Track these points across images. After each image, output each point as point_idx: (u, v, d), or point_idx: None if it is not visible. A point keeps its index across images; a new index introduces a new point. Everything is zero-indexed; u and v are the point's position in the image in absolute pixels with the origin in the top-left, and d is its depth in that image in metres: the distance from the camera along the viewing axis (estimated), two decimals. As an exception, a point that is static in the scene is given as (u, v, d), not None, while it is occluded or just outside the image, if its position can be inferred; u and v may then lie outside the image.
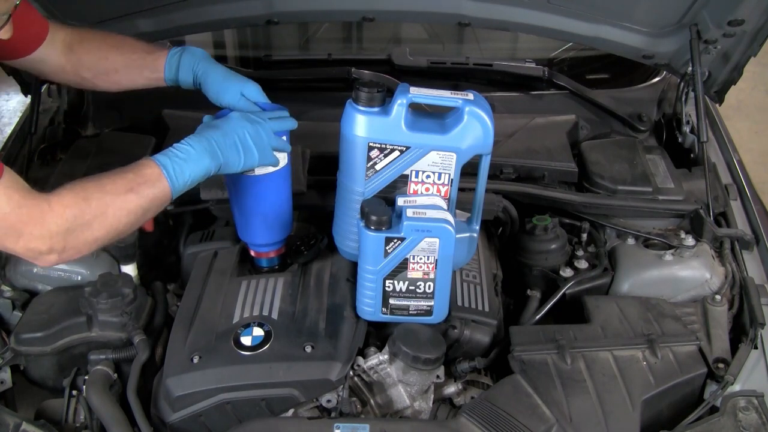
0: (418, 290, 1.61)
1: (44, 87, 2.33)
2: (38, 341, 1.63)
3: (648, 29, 2.17)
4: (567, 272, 1.91)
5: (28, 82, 2.23)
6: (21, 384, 1.68)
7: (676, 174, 2.13)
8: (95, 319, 1.63)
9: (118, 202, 1.41)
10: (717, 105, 2.39)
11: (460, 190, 1.64)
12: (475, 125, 1.55)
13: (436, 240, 1.54)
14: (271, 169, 1.64)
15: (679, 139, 2.31)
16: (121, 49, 1.76)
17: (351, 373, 1.55)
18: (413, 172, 1.60)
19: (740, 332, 1.71)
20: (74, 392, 1.60)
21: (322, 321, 1.62)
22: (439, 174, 1.60)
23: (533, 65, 2.48)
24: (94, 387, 1.54)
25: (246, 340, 1.57)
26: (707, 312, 1.72)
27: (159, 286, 1.82)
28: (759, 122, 4.90)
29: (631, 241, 1.97)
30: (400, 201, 1.59)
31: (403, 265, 1.57)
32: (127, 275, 1.76)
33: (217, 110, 1.70)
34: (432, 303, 1.63)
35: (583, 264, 1.92)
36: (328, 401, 1.54)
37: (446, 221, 1.54)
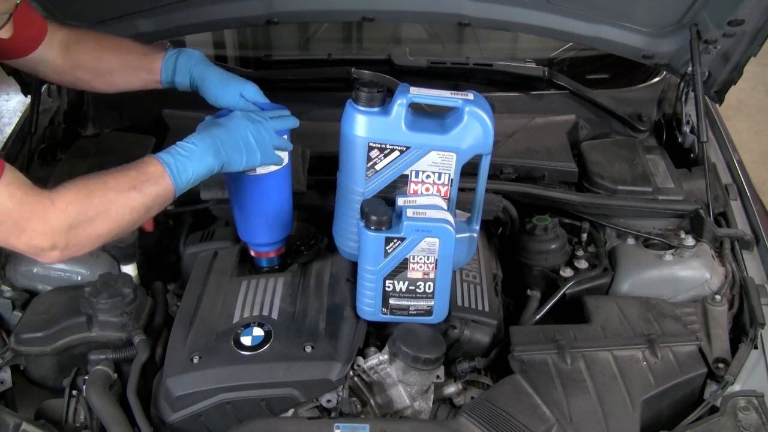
0: (418, 290, 1.61)
1: (44, 87, 2.33)
2: (38, 341, 1.63)
3: (648, 29, 2.17)
4: (567, 272, 1.91)
5: (28, 82, 2.23)
6: (21, 384, 1.68)
7: (676, 174, 2.13)
8: (95, 319, 1.63)
9: (121, 199, 1.41)
10: (717, 105, 2.39)
11: (460, 190, 1.64)
12: (475, 125, 1.55)
13: (436, 240, 1.54)
14: (271, 168, 1.64)
15: (679, 139, 2.31)
16: (117, 50, 1.77)
17: (351, 373, 1.55)
18: (413, 172, 1.60)
19: (740, 332, 1.71)
20: (74, 392, 1.60)
21: (322, 321, 1.62)
22: (439, 174, 1.60)
23: (533, 65, 2.48)
24: (94, 387, 1.54)
25: (246, 340, 1.57)
26: (707, 312, 1.73)
27: (159, 286, 1.82)
28: (759, 122, 4.90)
29: (631, 241, 1.97)
30: (400, 201, 1.59)
31: (403, 265, 1.57)
32: (127, 275, 1.76)
33: (216, 111, 1.70)
34: (432, 303, 1.63)
35: (583, 264, 1.92)
36: (328, 401, 1.54)
37: (446, 221, 1.54)
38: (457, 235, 1.57)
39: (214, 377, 1.52)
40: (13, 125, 2.41)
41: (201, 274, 1.79)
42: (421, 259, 1.56)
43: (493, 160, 1.63)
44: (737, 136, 2.56)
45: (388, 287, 1.60)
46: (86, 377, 1.58)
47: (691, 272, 1.83)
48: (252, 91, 1.68)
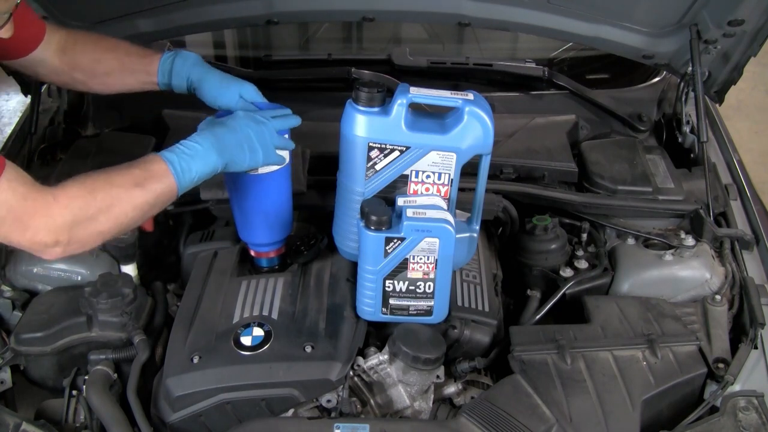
0: (418, 290, 1.61)
1: (44, 87, 2.33)
2: (38, 341, 1.63)
3: (648, 29, 2.17)
4: (567, 272, 1.91)
5: (28, 82, 2.23)
6: (21, 384, 1.68)
7: (676, 174, 2.13)
8: (95, 319, 1.63)
9: (125, 196, 1.41)
10: (717, 105, 2.39)
11: (460, 190, 1.64)
12: (475, 125, 1.55)
13: (436, 240, 1.54)
14: (271, 167, 1.64)
15: (679, 139, 2.31)
16: (114, 52, 1.77)
17: (351, 373, 1.55)
18: (413, 172, 1.60)
19: (740, 332, 1.71)
20: (74, 392, 1.60)
21: (322, 321, 1.62)
22: (439, 174, 1.60)
23: (533, 65, 2.48)
24: (94, 387, 1.54)
25: (246, 340, 1.57)
26: (707, 312, 1.72)
27: (159, 286, 1.82)
28: (759, 122, 4.90)
29: (631, 241, 1.97)
30: (400, 201, 1.59)
31: (403, 265, 1.57)
32: (127, 275, 1.76)
33: (216, 111, 1.71)
34: (432, 303, 1.63)
35: (583, 264, 1.92)
36: (328, 401, 1.54)
37: (446, 221, 1.54)
38: (457, 235, 1.57)
39: (214, 377, 1.52)
40: (13, 125, 2.41)
41: (201, 274, 1.79)
42: (421, 259, 1.56)
43: (493, 160, 1.63)
44: (737, 136, 2.56)
45: (388, 287, 1.60)
46: (86, 377, 1.58)
47: (691, 272, 1.83)
48: (251, 92, 1.68)
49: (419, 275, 1.59)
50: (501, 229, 2.07)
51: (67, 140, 2.28)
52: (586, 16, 2.16)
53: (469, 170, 1.63)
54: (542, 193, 2.03)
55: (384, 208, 1.55)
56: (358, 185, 1.61)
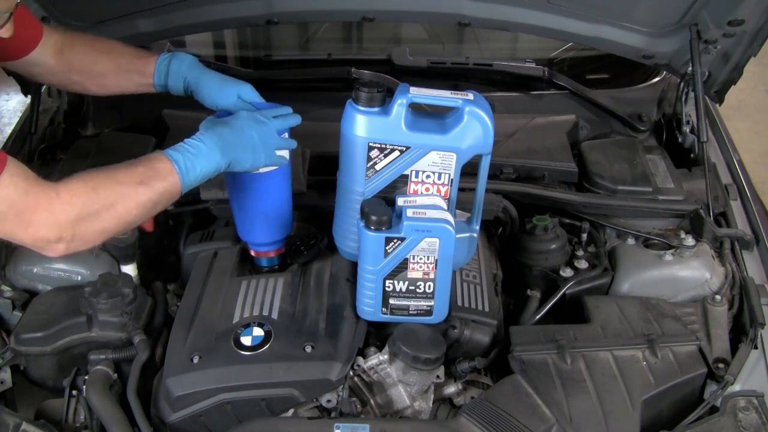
0: (418, 290, 1.61)
1: (44, 87, 2.33)
2: (38, 341, 1.63)
3: (648, 29, 2.17)
4: (567, 272, 1.91)
5: (28, 82, 2.22)
6: (21, 384, 1.68)
7: (676, 174, 2.13)
8: (95, 319, 1.63)
9: (129, 194, 1.41)
10: (717, 105, 2.39)
11: (460, 190, 1.64)
12: (475, 125, 1.55)
13: (436, 240, 1.54)
14: (273, 167, 1.64)
15: (679, 139, 2.31)
16: (110, 53, 1.77)
17: (351, 373, 1.55)
18: (413, 172, 1.60)
19: (740, 332, 1.71)
20: (74, 392, 1.60)
21: (322, 321, 1.62)
22: (439, 174, 1.60)
23: (533, 65, 2.48)
24: (94, 387, 1.54)
25: (246, 340, 1.57)
26: (707, 312, 1.72)
27: (159, 286, 1.82)
28: (759, 122, 4.90)
29: (631, 241, 1.97)
30: (400, 201, 1.59)
31: (403, 265, 1.57)
32: (127, 275, 1.76)
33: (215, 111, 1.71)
34: (432, 303, 1.63)
35: (583, 264, 1.92)
36: (328, 401, 1.54)
37: (446, 221, 1.54)
38: (457, 235, 1.57)
39: (214, 377, 1.52)
40: (13, 125, 2.41)
41: (201, 274, 1.79)
42: (421, 259, 1.56)
43: (493, 160, 1.63)
44: (737, 136, 2.56)
45: (388, 287, 1.60)
46: (86, 377, 1.58)
47: (691, 272, 1.83)
48: (248, 92, 1.68)
49: (419, 275, 1.59)
50: (501, 229, 2.07)
51: (67, 140, 2.28)
52: (586, 16, 2.16)
53: (469, 170, 1.63)
54: (542, 193, 2.03)
55: (384, 208, 1.55)
56: (358, 185, 1.61)
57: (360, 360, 1.58)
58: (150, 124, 2.31)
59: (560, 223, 1.99)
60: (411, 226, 1.53)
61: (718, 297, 1.75)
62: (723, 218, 2.03)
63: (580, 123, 2.34)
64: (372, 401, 1.58)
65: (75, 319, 1.64)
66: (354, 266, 1.67)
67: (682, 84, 2.28)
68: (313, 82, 2.48)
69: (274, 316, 1.63)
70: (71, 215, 1.35)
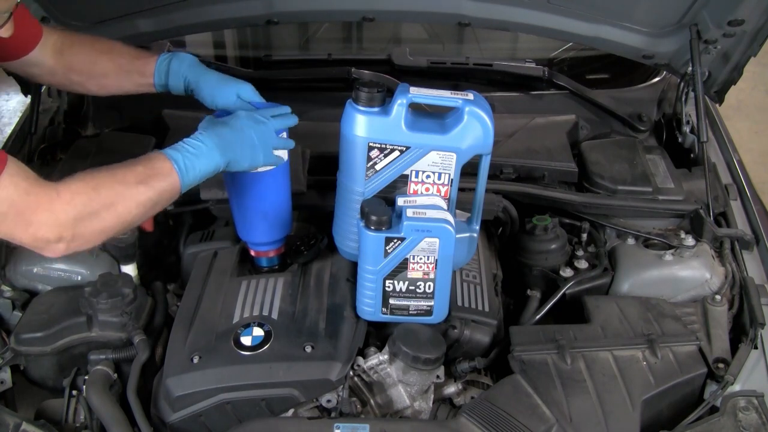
0: (418, 290, 1.61)
1: (44, 87, 2.33)
2: (38, 341, 1.63)
3: (648, 29, 2.17)
4: (567, 272, 1.91)
5: (28, 82, 2.22)
6: (21, 384, 1.68)
7: (676, 174, 2.13)
8: (95, 319, 1.63)
9: (129, 192, 1.41)
10: (717, 105, 2.39)
11: (460, 190, 1.64)
12: (475, 125, 1.55)
13: (436, 240, 1.54)
14: (271, 166, 1.64)
15: (679, 139, 2.31)
16: (110, 54, 1.77)
17: (351, 373, 1.55)
18: (413, 172, 1.60)
19: (740, 332, 1.71)
20: (74, 392, 1.60)
21: (322, 321, 1.62)
22: (439, 174, 1.60)
23: (533, 65, 2.48)
24: (94, 387, 1.54)
25: (246, 340, 1.57)
26: (707, 312, 1.72)
27: (159, 286, 1.82)
28: (759, 122, 4.90)
29: (631, 241, 1.97)
30: (400, 201, 1.59)
31: (403, 265, 1.57)
32: (127, 275, 1.76)
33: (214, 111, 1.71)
34: (432, 303, 1.63)
35: (583, 264, 1.92)
36: (328, 401, 1.54)
37: (446, 221, 1.54)
38: (457, 235, 1.57)
39: (214, 377, 1.52)
40: (13, 125, 2.41)
41: (201, 274, 1.79)
42: (421, 259, 1.56)
43: (493, 160, 1.63)
44: (737, 136, 2.56)
45: (388, 287, 1.60)
46: (86, 377, 1.58)
47: (691, 272, 1.83)
48: (248, 92, 1.68)
49: (419, 275, 1.59)
50: (501, 229, 2.07)
51: (67, 140, 2.28)
52: (586, 16, 2.16)
53: (469, 170, 1.63)
54: (542, 193, 2.03)
55: (384, 208, 1.55)
56: (358, 185, 1.61)
57: (360, 360, 1.58)
58: (150, 124, 2.31)
59: (560, 223, 1.99)
60: (411, 226, 1.53)
61: (718, 297, 1.75)
62: (723, 218, 2.03)
63: (580, 123, 2.34)
64: (372, 401, 1.58)
65: (75, 319, 1.64)
66: (354, 266, 1.67)
67: (682, 84, 2.28)
68: (313, 82, 2.48)
69: (274, 316, 1.63)
70: (72, 215, 1.35)
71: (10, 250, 1.83)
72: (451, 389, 1.63)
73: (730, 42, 2.06)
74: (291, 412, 1.54)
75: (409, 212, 1.54)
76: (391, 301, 1.62)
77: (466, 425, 1.43)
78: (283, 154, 1.66)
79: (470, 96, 1.57)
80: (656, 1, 2.08)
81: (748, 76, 2.22)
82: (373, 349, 1.62)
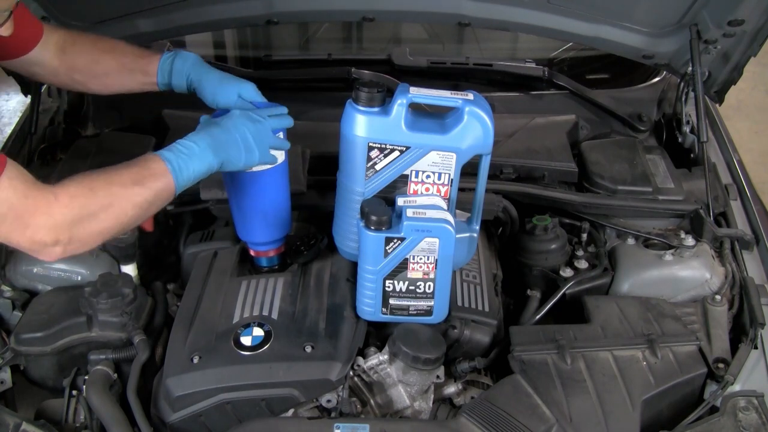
0: (418, 290, 1.61)
1: (44, 87, 2.34)
2: (38, 341, 1.62)
3: (648, 29, 2.17)
4: (567, 272, 1.91)
5: (28, 82, 2.23)
6: (21, 384, 1.68)
7: (676, 174, 2.13)
8: (95, 319, 1.63)
9: (125, 194, 1.41)
10: (717, 105, 2.39)
11: (460, 190, 1.64)
12: (475, 125, 1.55)
13: (436, 240, 1.54)
14: (268, 165, 1.64)
15: (679, 139, 2.31)
16: (113, 53, 1.77)
17: (351, 373, 1.55)
18: (413, 172, 1.60)
19: (740, 332, 1.71)
20: (74, 392, 1.60)
21: (322, 321, 1.62)
22: (439, 174, 1.60)
23: (533, 65, 2.48)
24: (94, 387, 1.54)
25: (246, 340, 1.57)
26: (707, 312, 1.72)
27: (159, 286, 1.82)
28: (759, 122, 4.90)
29: (631, 241, 1.97)
30: (400, 201, 1.59)
31: (403, 265, 1.57)
32: (127, 275, 1.76)
33: (214, 111, 1.71)
34: (432, 303, 1.63)
35: (583, 264, 1.92)
36: (328, 401, 1.54)
37: (446, 221, 1.54)
38: (457, 235, 1.57)
39: (214, 377, 1.52)
40: (13, 125, 2.41)
41: (201, 274, 1.79)
42: (421, 259, 1.56)
43: (493, 160, 1.63)
44: (737, 136, 2.56)
45: (388, 287, 1.60)
46: (86, 377, 1.58)
47: (691, 272, 1.83)
48: (250, 91, 1.68)
49: (419, 275, 1.59)
50: (501, 229, 2.07)
51: (67, 140, 2.28)
52: (586, 16, 2.16)
53: (469, 170, 1.63)
54: (542, 193, 2.03)
55: (384, 208, 1.55)
56: (358, 185, 1.61)
57: (360, 360, 1.58)
58: (150, 124, 2.31)
59: (560, 223, 1.99)
60: (411, 226, 1.53)
61: (718, 297, 1.75)
62: (723, 218, 2.03)
63: (580, 123, 2.34)
64: (372, 401, 1.58)
65: (75, 319, 1.64)
66: (354, 266, 1.67)
67: (682, 84, 2.28)
68: (313, 82, 2.48)
69: (274, 316, 1.63)
70: (69, 218, 1.35)
71: (10, 251, 1.83)
72: (451, 389, 1.63)
73: (730, 42, 2.06)
74: (291, 412, 1.54)
75: (409, 212, 1.54)
76: (391, 301, 1.62)
77: (466, 425, 1.43)
78: (280, 154, 1.66)
79: (470, 96, 1.57)
80: (656, 1, 2.08)
81: (748, 76, 2.22)
82: (373, 349, 1.62)
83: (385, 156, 1.57)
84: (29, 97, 2.25)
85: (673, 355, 1.60)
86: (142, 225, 1.60)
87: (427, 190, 1.62)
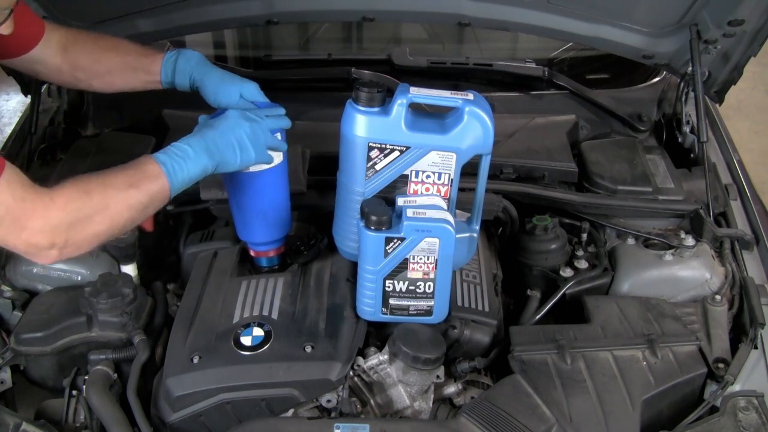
0: (418, 290, 1.61)
1: (44, 87, 2.34)
2: (38, 341, 1.62)
3: (648, 29, 2.17)
4: (567, 272, 1.91)
5: (28, 82, 2.23)
6: (21, 384, 1.68)
7: (676, 174, 2.13)
8: (95, 319, 1.63)
9: (120, 196, 1.41)
10: (717, 105, 2.39)
11: (460, 190, 1.64)
12: (475, 125, 1.55)
13: (436, 240, 1.54)
14: (266, 166, 1.64)
15: (679, 139, 2.31)
16: (116, 51, 1.77)
17: (351, 373, 1.55)
18: (413, 172, 1.60)
19: (740, 332, 1.71)
20: (74, 392, 1.60)
21: (322, 321, 1.62)
22: (439, 174, 1.60)
23: (533, 65, 2.48)
24: (94, 387, 1.54)
25: (246, 340, 1.57)
26: (707, 312, 1.72)
27: (159, 286, 1.82)
28: (759, 122, 4.90)
29: (631, 241, 1.97)
30: (400, 201, 1.59)
31: (403, 265, 1.57)
32: (127, 275, 1.76)
33: (215, 110, 1.71)
34: (432, 303, 1.63)
35: (583, 264, 1.92)
36: (328, 401, 1.54)
37: (446, 221, 1.54)
38: (457, 235, 1.57)
39: (214, 377, 1.52)
40: (13, 125, 2.41)
41: (201, 274, 1.79)
42: (421, 259, 1.56)
43: (493, 160, 1.63)
44: (737, 136, 2.56)
45: (388, 287, 1.60)
46: (86, 377, 1.58)
47: (691, 272, 1.83)
48: (252, 90, 1.68)
49: (419, 275, 1.59)
50: (501, 229, 2.07)
51: (67, 140, 2.28)
52: (586, 16, 2.16)
53: (469, 170, 1.63)
54: (542, 193, 2.03)
55: (384, 208, 1.55)
56: (358, 185, 1.61)
57: (360, 360, 1.58)
58: (150, 124, 2.31)
59: (560, 223, 1.99)
60: (411, 226, 1.53)
61: (718, 297, 1.75)
62: (723, 218, 2.03)
63: (580, 123, 2.34)
64: (372, 401, 1.58)
65: (75, 319, 1.64)
66: (354, 266, 1.67)
67: (682, 84, 2.28)
68: (313, 82, 2.48)
69: (274, 316, 1.63)
70: (65, 221, 1.36)
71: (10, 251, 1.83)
72: (451, 389, 1.63)
73: (730, 42, 2.06)
74: (291, 412, 1.54)
75: (409, 212, 1.54)
76: (391, 301, 1.62)
77: (466, 425, 1.43)
78: (278, 155, 1.65)
79: (470, 96, 1.57)
80: (656, 1, 2.08)
81: (748, 76, 2.22)
82: (373, 349, 1.62)
83: (385, 156, 1.57)
84: (29, 97, 2.25)
85: (673, 355, 1.60)
86: (142, 225, 1.60)
87: (427, 190, 1.62)
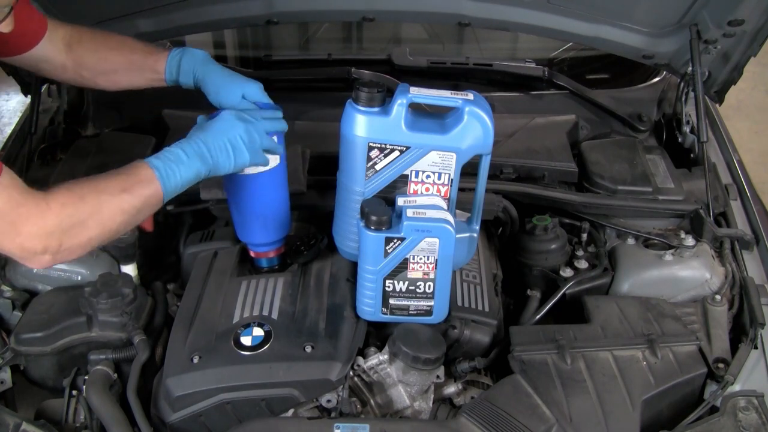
0: (418, 290, 1.61)
1: (44, 87, 2.34)
2: (38, 341, 1.62)
3: (648, 29, 2.17)
4: (567, 272, 1.91)
5: (28, 82, 2.23)
6: (21, 384, 1.68)
7: (676, 174, 2.13)
8: (95, 319, 1.63)
9: (113, 201, 1.41)
10: (717, 105, 2.39)
11: (460, 190, 1.64)
12: (475, 125, 1.55)
13: (436, 240, 1.54)
14: (263, 168, 1.64)
15: (679, 139, 2.31)
16: (120, 50, 1.77)
17: (351, 373, 1.55)
18: (413, 172, 1.60)
19: (740, 332, 1.71)
20: (74, 392, 1.60)
21: (322, 321, 1.62)
22: (439, 174, 1.60)
23: (533, 65, 2.48)
24: (94, 387, 1.54)
25: (246, 340, 1.57)
26: (707, 312, 1.72)
27: (159, 286, 1.82)
28: (759, 122, 4.90)
29: (631, 241, 1.97)
30: (400, 201, 1.59)
31: (403, 265, 1.57)
32: (127, 275, 1.76)
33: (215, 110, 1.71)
34: (432, 303, 1.63)
35: (583, 264, 1.92)
36: (328, 401, 1.54)
37: (446, 221, 1.54)
38: (457, 235, 1.57)
39: (214, 377, 1.52)
40: (13, 125, 2.41)
41: (201, 274, 1.79)
42: (421, 259, 1.56)
43: (493, 160, 1.63)
44: (737, 136, 2.56)
45: (388, 287, 1.60)
46: (86, 377, 1.58)
47: (691, 272, 1.83)
48: (255, 91, 1.67)
49: (419, 275, 1.59)
50: (501, 229, 2.07)
51: (67, 140, 2.28)
52: (586, 16, 2.16)
53: (469, 170, 1.63)
54: (542, 193, 2.03)
55: (384, 208, 1.55)
56: (358, 185, 1.61)
57: (360, 360, 1.58)
58: (150, 124, 2.31)
59: (560, 223, 1.99)
60: (411, 226, 1.53)
61: (718, 297, 1.75)
62: (723, 218, 2.03)
63: (580, 123, 2.34)
64: (372, 401, 1.58)
65: (75, 319, 1.64)
66: (354, 266, 1.67)
67: (682, 84, 2.29)
68: (313, 82, 2.48)
69: (274, 316, 1.63)
70: (59, 225, 1.36)
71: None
72: (451, 389, 1.63)
73: (730, 42, 2.06)
74: (291, 412, 1.54)
75: (409, 212, 1.54)
76: (391, 301, 1.62)
77: (466, 425, 1.43)
78: (274, 158, 1.65)
79: (470, 96, 1.57)
80: (656, 1, 2.08)
81: (748, 76, 2.22)
82: (373, 349, 1.62)
83: (385, 156, 1.57)
84: (29, 97, 2.25)
85: (673, 355, 1.60)
86: (142, 225, 1.60)
87: (427, 190, 1.62)
